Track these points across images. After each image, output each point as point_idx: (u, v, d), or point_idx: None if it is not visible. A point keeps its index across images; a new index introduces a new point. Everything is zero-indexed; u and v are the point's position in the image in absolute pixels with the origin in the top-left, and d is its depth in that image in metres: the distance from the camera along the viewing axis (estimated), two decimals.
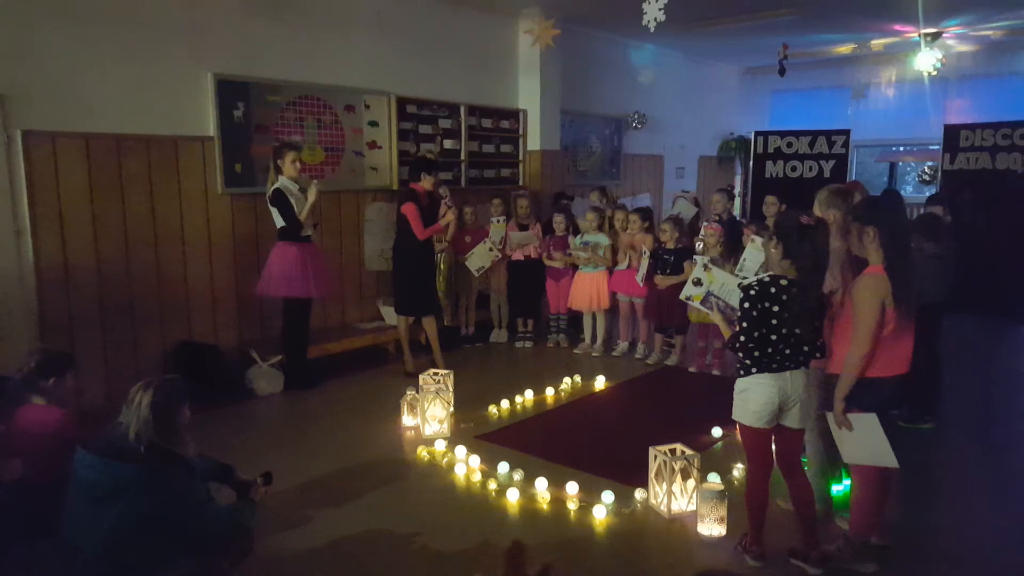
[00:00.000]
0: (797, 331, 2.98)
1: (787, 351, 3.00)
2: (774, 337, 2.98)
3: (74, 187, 4.93)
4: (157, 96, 5.26)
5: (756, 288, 2.98)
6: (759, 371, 3.01)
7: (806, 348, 3.01)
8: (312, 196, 5.27)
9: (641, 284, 6.20)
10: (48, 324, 4.84)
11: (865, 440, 2.97)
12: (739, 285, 3.23)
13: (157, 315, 5.39)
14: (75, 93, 4.88)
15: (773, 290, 2.96)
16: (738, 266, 5.06)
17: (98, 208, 5.04)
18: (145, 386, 2.50)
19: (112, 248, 5.13)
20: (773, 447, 3.16)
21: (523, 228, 6.77)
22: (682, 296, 4.83)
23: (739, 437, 3.46)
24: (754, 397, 3.02)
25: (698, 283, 4.59)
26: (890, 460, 2.97)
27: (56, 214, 4.86)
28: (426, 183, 5.69)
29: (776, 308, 2.95)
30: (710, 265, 4.75)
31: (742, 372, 3.07)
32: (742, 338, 3.01)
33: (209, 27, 5.48)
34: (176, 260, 5.45)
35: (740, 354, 3.04)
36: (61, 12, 4.79)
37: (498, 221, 6.73)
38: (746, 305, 2.99)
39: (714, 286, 4.54)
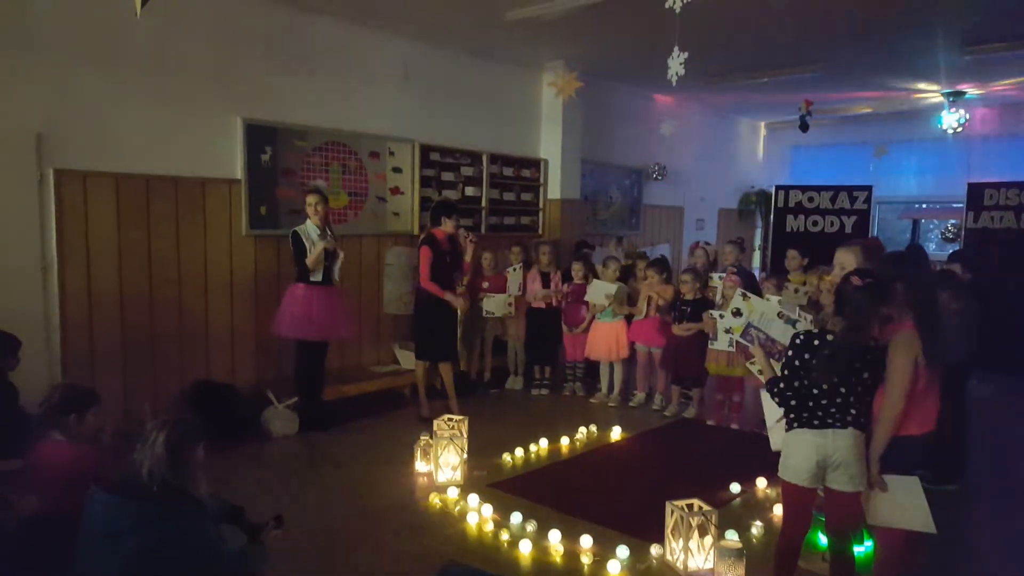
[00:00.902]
0: (843, 389, 2.89)
1: (832, 409, 2.91)
2: (816, 391, 2.92)
3: (102, 225, 5.02)
4: (186, 138, 5.36)
5: (802, 338, 2.96)
6: (799, 426, 2.96)
7: (853, 411, 2.91)
8: (317, 249, 5.25)
9: (657, 338, 6.15)
10: (70, 359, 4.89)
11: (902, 503, 2.89)
12: (789, 325, 3.18)
13: (176, 353, 5.42)
14: (108, 134, 5.00)
15: (816, 342, 2.92)
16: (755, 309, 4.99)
17: (124, 246, 5.12)
18: (161, 425, 2.50)
19: (136, 285, 5.19)
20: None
21: (544, 276, 6.80)
22: (721, 329, 4.74)
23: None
24: (793, 452, 2.97)
25: (737, 313, 4.48)
26: (928, 525, 2.89)
27: (83, 250, 4.94)
28: (447, 227, 5.72)
29: (815, 361, 2.91)
30: (748, 293, 4.66)
31: (787, 427, 3.01)
32: (781, 385, 2.98)
33: (239, 73, 5.60)
34: (198, 298, 5.50)
35: (776, 400, 3.00)
36: (98, 56, 4.93)
37: (515, 270, 6.73)
38: (790, 353, 2.97)
39: (754, 316, 4.43)
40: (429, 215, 6.03)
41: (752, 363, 3.89)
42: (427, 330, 5.75)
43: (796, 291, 5.72)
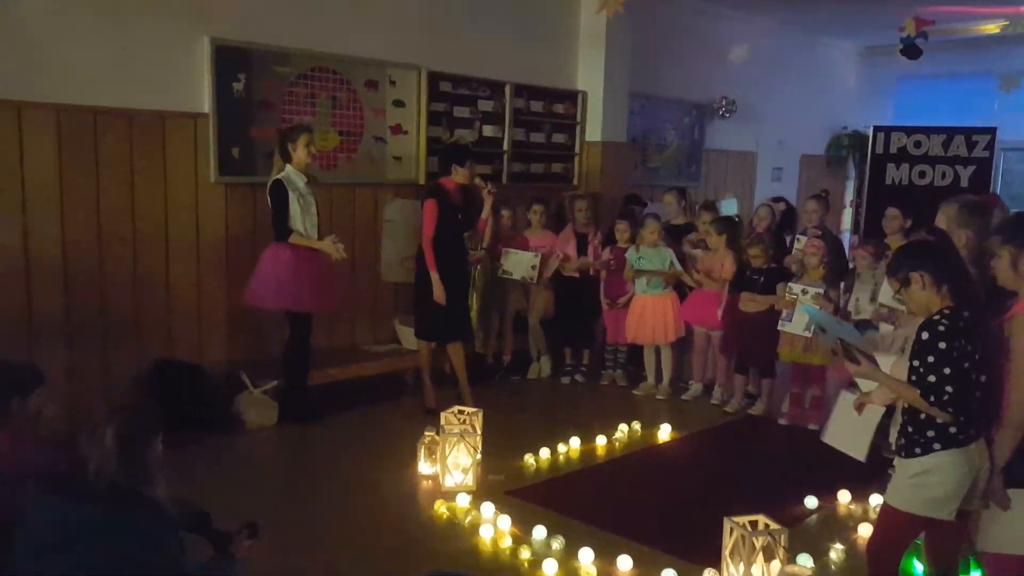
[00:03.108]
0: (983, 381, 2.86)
1: (981, 413, 2.86)
2: (978, 393, 2.84)
3: (40, 168, 5.00)
4: (143, 63, 5.32)
5: (946, 322, 2.80)
6: (954, 445, 2.82)
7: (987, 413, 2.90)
8: (324, 247, 5.30)
9: (720, 317, 6.16)
10: (1, 333, 4.88)
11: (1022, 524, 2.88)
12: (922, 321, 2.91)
13: (132, 327, 5.46)
14: (47, 57, 4.97)
15: (961, 324, 2.82)
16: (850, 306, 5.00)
17: (68, 194, 5.12)
18: (111, 414, 2.51)
19: (82, 243, 5.19)
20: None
21: (581, 239, 6.83)
22: (798, 308, 4.76)
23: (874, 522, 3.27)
24: (942, 480, 2.85)
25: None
26: None
27: (17, 199, 4.94)
28: (459, 176, 5.76)
29: (970, 348, 2.81)
30: (806, 294, 4.62)
31: (921, 449, 2.87)
32: (948, 389, 2.77)
33: None
34: (157, 260, 5.52)
35: (950, 411, 2.79)
36: None
37: (535, 255, 6.69)
38: (942, 345, 2.78)
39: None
40: (438, 161, 6.09)
41: (835, 356, 3.72)
42: (432, 303, 5.76)
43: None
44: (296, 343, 5.53)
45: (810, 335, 5.51)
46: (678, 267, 6.45)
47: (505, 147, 7.53)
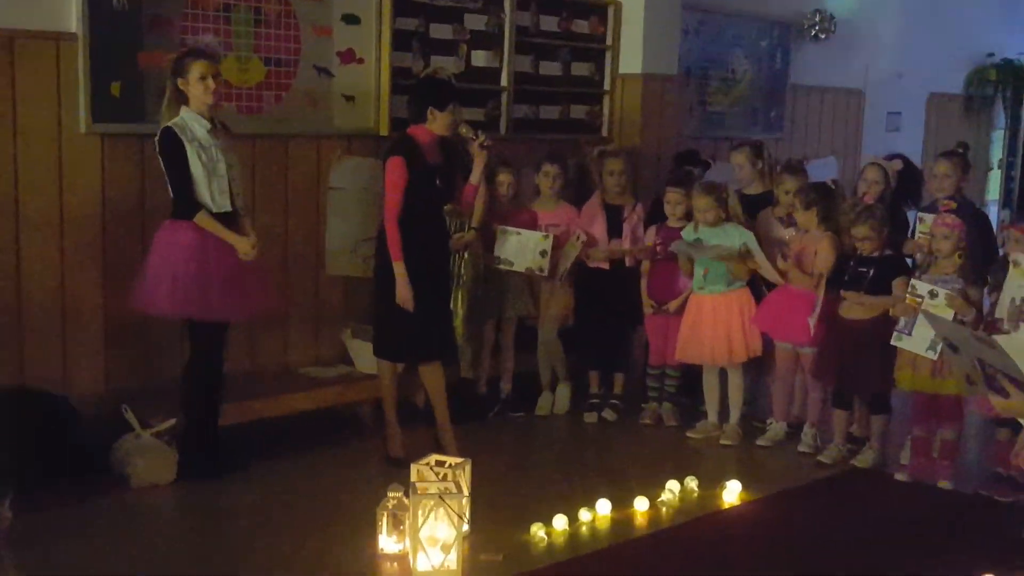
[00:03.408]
0: None
1: None
2: None
3: None
4: None
5: None
6: None
7: None
8: (239, 246, 5.33)
9: (812, 327, 6.10)
10: None
11: None
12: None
13: None
14: None
15: None
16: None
17: None
18: None
19: None
20: None
21: (613, 213, 6.85)
22: (922, 318, 4.82)
23: None
24: None
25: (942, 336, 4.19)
26: None
27: None
28: (437, 124, 5.80)
29: None
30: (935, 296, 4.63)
31: None
32: None
33: None
34: (5, 248, 5.49)
35: None
36: None
37: (545, 236, 6.66)
38: None
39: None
40: (407, 102, 6.14)
41: (972, 386, 3.63)
42: (397, 308, 5.76)
43: None
44: (202, 365, 5.54)
45: (935, 357, 5.51)
46: (757, 253, 6.38)
47: (504, 82, 7.49)
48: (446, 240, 6.14)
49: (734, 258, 6.37)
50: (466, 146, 6.10)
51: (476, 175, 6.09)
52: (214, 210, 5.36)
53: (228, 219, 5.44)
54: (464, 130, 6.02)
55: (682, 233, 6.51)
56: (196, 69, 5.31)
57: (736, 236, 6.40)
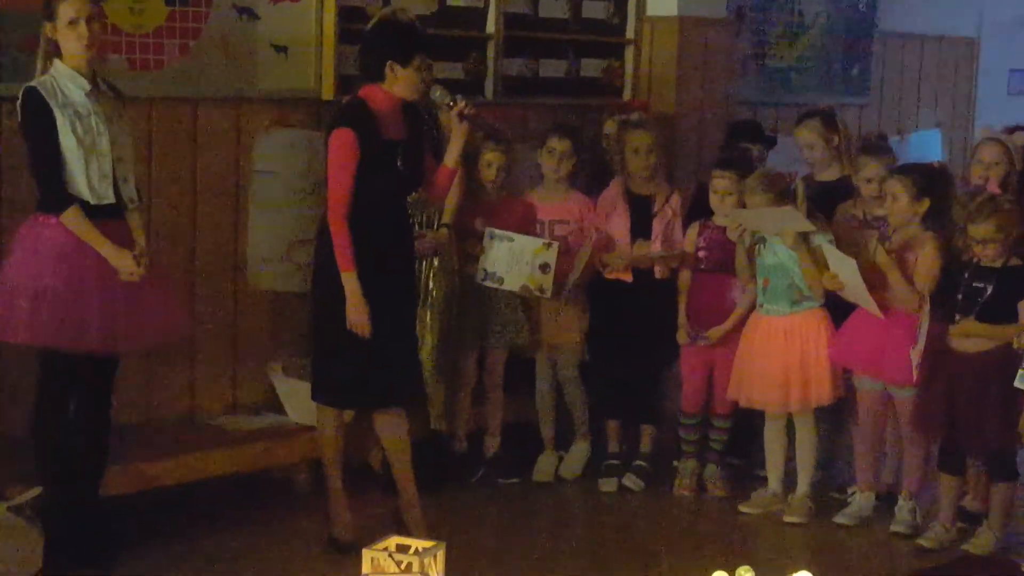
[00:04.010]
0: None
1: None
2: None
3: None
4: None
5: None
6: None
7: None
8: (116, 257, 5.16)
9: (917, 363, 5.80)
10: None
11: None
12: None
13: None
14: None
15: None
16: None
17: None
18: None
19: None
20: None
21: (639, 204, 6.67)
22: None
23: None
24: None
25: None
26: None
27: None
28: (399, 85, 5.55)
29: None
30: None
31: None
32: None
33: None
34: None
35: None
36: None
37: (548, 246, 6.53)
38: None
39: None
40: (359, 55, 5.93)
41: None
42: (343, 333, 5.59)
43: None
44: (64, 412, 5.31)
45: None
46: (832, 252, 6.13)
47: (491, 28, 7.31)
48: (411, 242, 5.87)
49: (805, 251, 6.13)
50: (439, 114, 6.02)
51: (453, 155, 5.84)
52: (92, 201, 5.13)
53: (112, 214, 5.22)
54: (437, 93, 5.81)
55: (731, 237, 6.37)
56: (65, 10, 5.08)
57: (811, 238, 6.21)
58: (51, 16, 5.11)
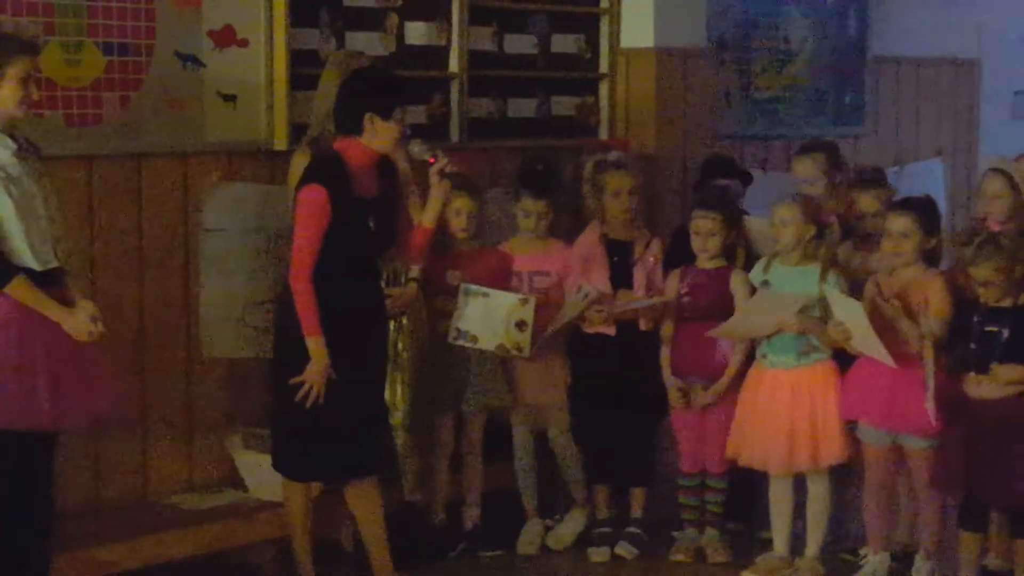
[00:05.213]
0: None
1: None
2: None
3: None
4: None
5: None
6: None
7: None
8: (68, 320, 4.97)
9: (933, 411, 5.68)
10: None
11: None
12: None
13: None
14: None
15: None
16: None
17: None
18: None
19: None
20: None
21: (618, 250, 6.56)
22: None
23: None
24: None
25: None
26: None
27: None
28: (378, 138, 5.54)
29: None
30: None
31: None
32: None
33: None
34: None
35: None
36: None
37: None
38: None
39: None
40: (336, 106, 5.79)
41: None
42: (305, 400, 5.50)
43: None
44: (11, 498, 5.06)
45: None
46: (837, 298, 6.01)
47: (454, 67, 7.20)
48: (381, 303, 5.83)
49: (814, 325, 6.06)
50: (413, 169, 5.94)
51: (431, 214, 5.86)
52: (37, 268, 4.98)
53: (54, 280, 5.09)
54: (416, 148, 5.82)
55: (751, 275, 6.29)
56: (16, 68, 4.96)
57: (815, 284, 6.13)
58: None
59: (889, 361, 5.86)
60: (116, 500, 6.21)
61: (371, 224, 5.61)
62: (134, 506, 6.21)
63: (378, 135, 5.53)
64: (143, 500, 6.28)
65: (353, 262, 5.62)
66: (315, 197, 5.44)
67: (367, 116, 5.50)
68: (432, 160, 5.77)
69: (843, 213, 6.61)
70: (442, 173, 5.76)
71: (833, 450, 6.10)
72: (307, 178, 5.52)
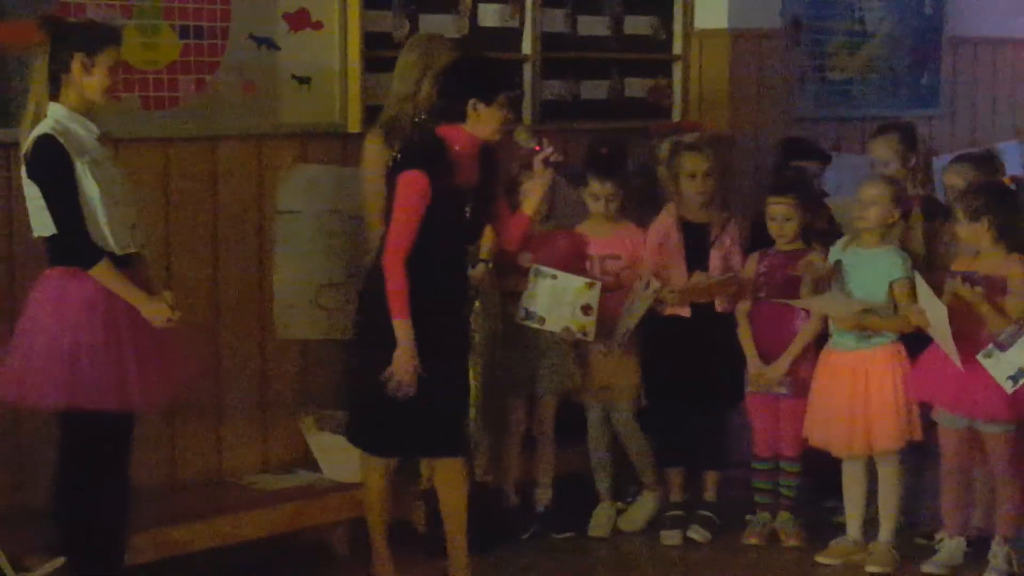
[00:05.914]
0: None
1: None
2: None
3: None
4: None
5: None
6: None
7: None
8: (149, 307, 5.02)
9: (1011, 390, 5.62)
10: None
11: None
12: None
13: None
14: None
15: None
16: None
17: None
18: None
19: None
20: None
21: (693, 232, 6.54)
22: None
23: None
24: None
25: None
26: None
27: None
28: (481, 125, 5.51)
29: None
30: None
31: None
32: None
33: None
34: None
35: None
36: None
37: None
38: None
39: None
40: (438, 93, 5.85)
41: None
42: (376, 382, 5.45)
43: None
44: (90, 477, 5.14)
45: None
46: (924, 290, 5.93)
47: (527, 49, 7.21)
48: (467, 289, 5.85)
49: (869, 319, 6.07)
50: (517, 156, 5.99)
51: (533, 203, 5.86)
52: (118, 252, 5.02)
53: (132, 263, 5.15)
54: (523, 136, 5.81)
55: (831, 250, 6.28)
56: (107, 57, 5.02)
57: (886, 270, 6.12)
58: (91, 52, 5.07)
59: (956, 360, 5.84)
60: (191, 480, 6.28)
61: (466, 212, 5.61)
62: (209, 486, 6.28)
63: (482, 121, 5.53)
64: (218, 481, 6.34)
65: (445, 248, 5.62)
66: (417, 182, 5.44)
67: (471, 102, 5.49)
68: (538, 148, 5.75)
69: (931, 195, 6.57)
70: (546, 162, 5.75)
71: (890, 434, 6.09)
72: (409, 163, 5.50)
